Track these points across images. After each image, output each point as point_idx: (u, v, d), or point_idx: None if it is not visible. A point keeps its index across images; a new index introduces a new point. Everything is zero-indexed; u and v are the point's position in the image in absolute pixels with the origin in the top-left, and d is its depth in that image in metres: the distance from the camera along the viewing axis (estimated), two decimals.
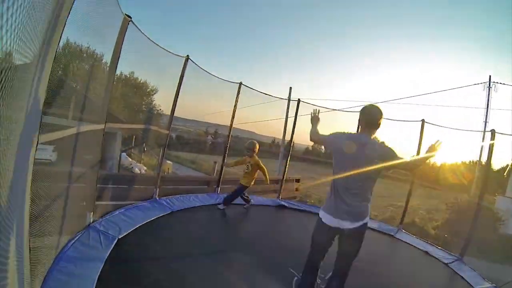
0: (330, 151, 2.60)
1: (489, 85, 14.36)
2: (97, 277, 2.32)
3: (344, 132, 2.58)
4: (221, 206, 5.21)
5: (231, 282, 2.96)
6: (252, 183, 5.40)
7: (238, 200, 5.45)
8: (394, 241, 5.29)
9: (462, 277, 4.09)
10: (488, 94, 14.32)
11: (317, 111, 3.00)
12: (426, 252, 4.85)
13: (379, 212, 12.75)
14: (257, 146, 5.49)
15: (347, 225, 2.41)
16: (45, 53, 1.39)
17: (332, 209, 2.46)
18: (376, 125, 2.50)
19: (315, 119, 2.93)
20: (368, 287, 3.34)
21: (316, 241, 2.64)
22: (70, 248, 2.60)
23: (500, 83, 14.26)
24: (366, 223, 2.49)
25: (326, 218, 2.49)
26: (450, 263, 4.51)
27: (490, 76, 14.37)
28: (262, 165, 5.40)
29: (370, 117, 2.50)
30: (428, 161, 2.50)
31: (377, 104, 2.63)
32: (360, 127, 2.56)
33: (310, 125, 2.98)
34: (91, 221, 3.25)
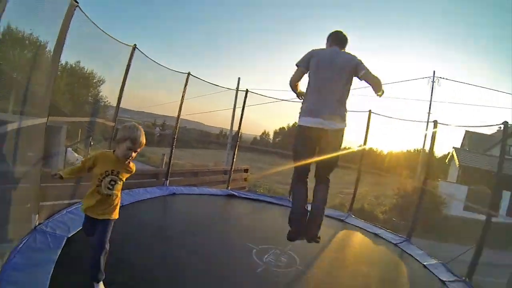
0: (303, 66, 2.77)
1: (433, 79, 15.77)
2: (48, 281, 2.17)
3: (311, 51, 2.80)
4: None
5: (191, 264, 3.06)
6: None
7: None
8: (344, 225, 5.63)
9: (411, 255, 4.48)
10: (432, 88, 15.73)
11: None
12: (376, 235, 5.24)
13: (329, 199, 13.48)
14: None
15: (328, 124, 2.55)
16: None
17: (315, 111, 2.58)
18: (345, 39, 2.90)
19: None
20: (321, 270, 3.56)
21: (298, 152, 2.73)
22: (16, 255, 2.38)
23: (443, 78, 15.74)
24: (344, 128, 2.69)
25: (308, 120, 2.60)
26: (398, 243, 4.90)
27: (434, 71, 15.80)
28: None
29: (337, 34, 2.88)
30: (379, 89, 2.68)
31: None
32: (327, 45, 2.90)
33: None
34: (37, 224, 3.00)
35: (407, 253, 4.58)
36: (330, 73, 2.67)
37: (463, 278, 3.75)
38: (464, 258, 4.11)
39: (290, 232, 2.78)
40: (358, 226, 5.61)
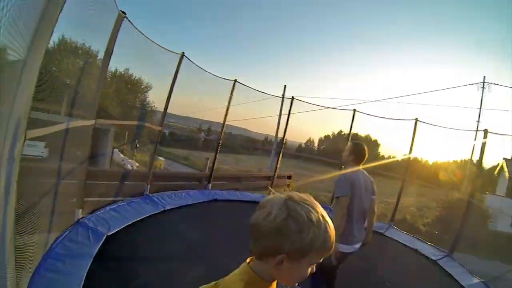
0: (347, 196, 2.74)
1: (483, 85, 14.60)
2: (85, 274, 2.31)
3: (343, 177, 2.80)
4: None
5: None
6: None
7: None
8: (384, 239, 5.32)
9: (451, 274, 4.14)
10: (482, 94, 14.57)
11: None
12: (416, 250, 4.91)
13: None
14: None
15: (357, 246, 2.76)
16: (35, 48, 1.38)
17: (350, 238, 2.69)
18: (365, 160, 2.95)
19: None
20: (358, 284, 3.40)
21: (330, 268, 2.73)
22: (58, 245, 2.56)
23: (494, 83, 14.53)
24: None
25: (346, 248, 2.69)
26: (439, 259, 4.56)
27: (484, 77, 14.62)
28: None
29: (364, 155, 2.89)
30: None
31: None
32: (354, 161, 2.87)
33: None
34: (80, 218, 3.22)
35: (446, 271, 4.25)
36: (366, 202, 2.83)
37: None
38: (508, 276, 3.71)
39: None
40: (398, 241, 5.29)
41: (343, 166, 3.09)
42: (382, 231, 5.57)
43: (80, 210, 3.24)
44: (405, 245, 5.11)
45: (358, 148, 2.91)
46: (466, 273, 4.16)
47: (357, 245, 2.75)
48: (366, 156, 2.90)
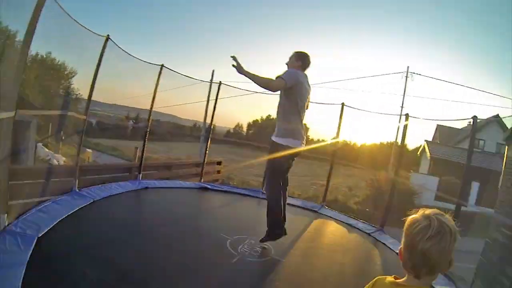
0: (290, 86, 3.01)
1: (407, 74, 16.38)
2: (20, 283, 2.08)
3: (295, 71, 3.10)
4: None
5: (166, 257, 3.04)
6: None
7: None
8: (318, 216, 5.71)
9: (384, 244, 4.64)
10: (406, 82, 16.34)
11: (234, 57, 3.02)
12: (350, 225, 5.36)
13: (303, 191, 13.75)
14: None
15: (301, 145, 3.11)
16: None
17: (298, 134, 3.06)
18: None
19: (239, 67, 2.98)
20: (296, 259, 3.62)
21: (281, 167, 3.17)
22: None
23: (416, 73, 16.41)
24: None
25: (294, 142, 3.05)
26: (372, 233, 5.06)
27: (408, 66, 16.43)
28: None
29: (310, 61, 3.20)
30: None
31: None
32: (301, 67, 3.16)
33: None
34: (6, 224, 2.88)
35: (380, 241, 4.75)
36: (304, 102, 3.13)
37: None
38: None
39: (278, 234, 3.28)
40: (332, 217, 5.71)
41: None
42: (316, 210, 6.00)
43: (6, 215, 2.88)
44: (339, 221, 5.57)
45: (303, 54, 3.18)
46: (397, 243, 4.61)
47: (302, 143, 3.11)
48: (310, 63, 3.20)
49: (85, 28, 4.08)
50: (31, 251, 2.57)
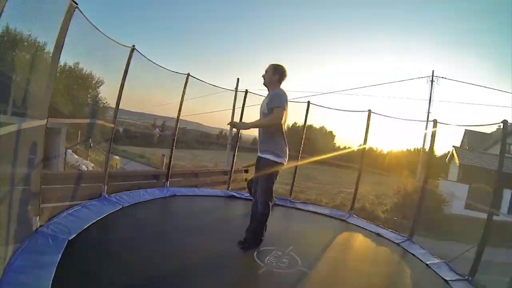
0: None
1: (432, 78, 15.81)
2: (50, 283, 2.16)
3: (282, 92, 3.11)
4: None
5: (193, 265, 3.04)
6: None
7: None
8: (346, 225, 5.58)
9: (414, 255, 4.43)
10: (431, 87, 15.77)
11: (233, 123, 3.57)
12: (378, 234, 5.18)
13: (330, 199, 13.47)
14: None
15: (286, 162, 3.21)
16: None
17: (286, 151, 3.17)
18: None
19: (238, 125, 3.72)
20: (324, 271, 3.53)
21: (273, 182, 3.26)
22: (18, 258, 2.37)
23: (442, 77, 15.79)
24: None
25: (284, 160, 3.17)
26: (401, 242, 4.86)
27: (433, 70, 15.84)
28: None
29: (286, 74, 3.19)
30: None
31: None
32: (279, 81, 3.18)
33: (250, 122, 3.47)
34: (38, 226, 2.99)
35: (409, 252, 4.54)
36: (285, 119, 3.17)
37: (466, 276, 3.73)
38: (466, 256, 4.08)
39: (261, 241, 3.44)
40: (360, 226, 5.55)
41: (267, 87, 3.26)
42: (344, 218, 5.84)
43: (38, 217, 2.99)
44: (367, 230, 5.39)
45: (281, 67, 3.18)
46: (427, 254, 4.46)
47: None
48: (286, 77, 3.21)
49: (111, 39, 4.24)
50: (61, 253, 2.66)
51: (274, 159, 3.11)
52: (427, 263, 4.15)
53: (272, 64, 3.19)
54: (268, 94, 3.20)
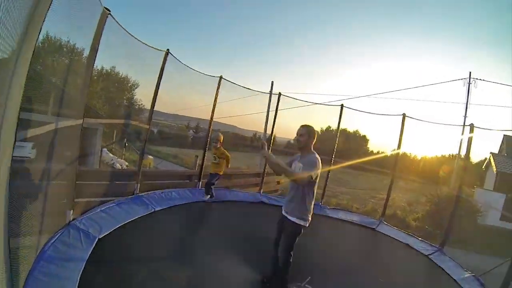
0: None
1: (469, 81, 14.87)
2: (78, 278, 2.29)
3: (318, 159, 3.06)
4: (206, 198, 5.47)
5: (214, 273, 3.05)
6: (222, 172, 5.66)
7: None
8: (375, 235, 5.40)
9: (443, 269, 4.21)
10: (468, 90, 14.84)
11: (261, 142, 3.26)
12: (407, 245, 4.97)
13: (361, 204, 13.08)
14: (222, 137, 5.72)
15: None
16: (24, 48, 1.35)
17: (311, 213, 3.10)
18: None
19: (265, 152, 3.11)
20: (351, 281, 3.44)
21: (295, 241, 3.15)
22: (50, 248, 2.54)
23: (480, 79, 14.81)
24: None
25: (309, 221, 3.09)
26: (430, 254, 4.63)
27: (470, 72, 14.90)
28: (227, 154, 5.68)
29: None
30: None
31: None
32: (312, 144, 3.16)
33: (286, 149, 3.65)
34: (71, 219, 3.18)
35: (439, 266, 4.32)
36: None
37: None
38: (499, 270, 3.81)
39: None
40: (389, 236, 5.35)
41: (301, 149, 3.22)
42: (373, 227, 5.65)
43: (71, 211, 3.19)
44: (397, 240, 5.18)
45: (314, 131, 3.18)
46: (457, 267, 4.23)
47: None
48: None
49: (144, 43, 4.44)
50: (91, 250, 2.82)
51: (300, 223, 3.06)
52: (456, 277, 3.93)
53: (305, 128, 3.17)
54: (303, 156, 3.16)
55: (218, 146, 5.59)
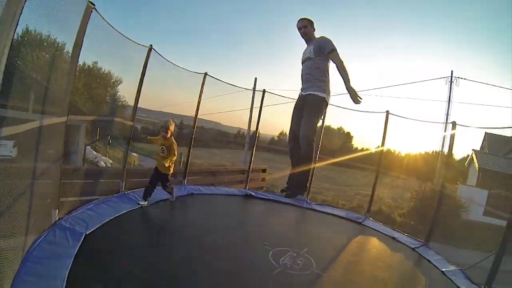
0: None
1: (451, 79, 15.28)
2: (66, 275, 2.24)
3: (322, 36, 3.44)
4: (141, 202, 4.38)
5: (209, 265, 3.06)
6: (171, 170, 4.71)
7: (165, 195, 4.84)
8: (362, 228, 5.50)
9: (429, 261, 4.32)
10: (450, 88, 15.24)
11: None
12: (393, 238, 5.07)
13: (347, 201, 13.32)
14: (173, 125, 4.76)
15: None
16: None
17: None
18: None
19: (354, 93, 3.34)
20: (338, 274, 3.50)
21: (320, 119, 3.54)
22: (36, 248, 2.48)
23: (461, 78, 15.23)
24: None
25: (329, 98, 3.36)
26: (416, 248, 4.75)
27: (452, 71, 15.31)
28: (175, 148, 4.70)
29: None
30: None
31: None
32: (314, 31, 3.48)
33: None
34: (57, 219, 3.11)
35: (425, 258, 4.43)
36: None
37: (482, 286, 3.60)
38: (483, 264, 3.95)
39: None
40: (375, 229, 5.45)
41: (306, 38, 3.53)
42: (360, 221, 5.76)
43: (57, 211, 3.11)
44: (383, 234, 5.27)
45: (312, 20, 3.44)
46: (443, 260, 4.35)
47: None
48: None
49: (129, 39, 4.33)
50: (78, 246, 2.76)
51: (323, 95, 3.27)
52: (443, 270, 4.04)
53: (305, 19, 3.43)
54: (311, 43, 3.40)
55: (169, 136, 4.59)
